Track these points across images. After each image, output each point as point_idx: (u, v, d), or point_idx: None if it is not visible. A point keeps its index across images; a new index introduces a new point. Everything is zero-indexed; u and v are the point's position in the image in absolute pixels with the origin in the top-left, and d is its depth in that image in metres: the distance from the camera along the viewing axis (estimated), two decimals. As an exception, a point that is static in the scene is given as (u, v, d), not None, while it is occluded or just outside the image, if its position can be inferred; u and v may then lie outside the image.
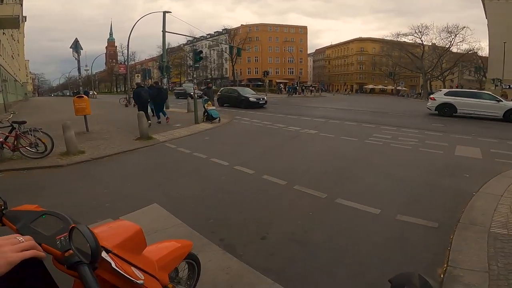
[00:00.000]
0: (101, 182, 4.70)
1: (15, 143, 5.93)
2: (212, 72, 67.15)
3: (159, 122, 10.90)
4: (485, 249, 2.53)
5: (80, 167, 5.65)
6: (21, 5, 19.16)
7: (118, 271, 0.88)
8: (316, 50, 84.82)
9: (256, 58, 62.71)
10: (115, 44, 78.65)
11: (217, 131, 9.76)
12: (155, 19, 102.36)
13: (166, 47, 21.46)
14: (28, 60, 58.60)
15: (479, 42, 56.72)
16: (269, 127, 10.24)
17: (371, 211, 3.45)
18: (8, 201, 1.06)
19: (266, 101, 18.66)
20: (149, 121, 9.79)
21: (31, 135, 6.04)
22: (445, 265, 2.36)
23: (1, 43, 22.35)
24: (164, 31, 19.27)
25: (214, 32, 64.65)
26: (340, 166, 5.50)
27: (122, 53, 61.10)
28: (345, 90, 62.41)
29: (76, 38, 9.09)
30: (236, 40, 53.75)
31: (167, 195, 4.04)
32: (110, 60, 76.88)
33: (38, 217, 1.02)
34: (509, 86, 31.10)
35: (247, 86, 48.64)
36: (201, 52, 13.35)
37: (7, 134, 5.95)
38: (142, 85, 11.75)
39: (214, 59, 66.37)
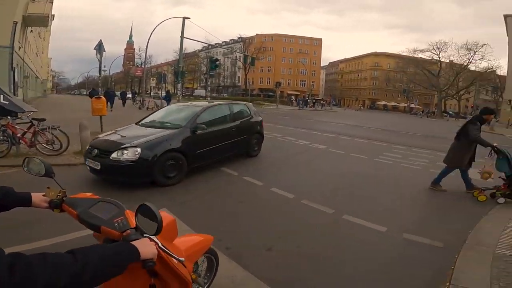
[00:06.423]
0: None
1: (32, 140, 6.14)
2: (225, 80, 67.96)
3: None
4: (489, 268, 2.54)
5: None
6: (52, 3, 19.94)
7: (163, 248, 1.02)
8: (330, 63, 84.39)
9: (269, 68, 63.19)
10: (134, 47, 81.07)
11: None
12: (173, 25, 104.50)
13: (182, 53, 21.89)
14: (51, 58, 60.22)
15: (498, 61, 55.21)
16: (280, 139, 10.23)
17: (377, 229, 3.44)
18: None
19: None
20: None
21: (49, 132, 6.25)
22: (448, 284, 2.38)
23: (27, 40, 22.74)
24: (182, 37, 19.69)
25: (230, 40, 65.30)
26: (348, 183, 5.48)
27: (140, 56, 62.47)
28: (359, 106, 61.73)
29: (100, 40, 9.44)
30: (251, 49, 53.82)
31: (173, 200, 4.13)
32: (128, 62, 78.87)
33: (95, 203, 1.17)
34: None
35: (258, 96, 48.09)
36: (217, 60, 13.66)
37: (25, 130, 6.17)
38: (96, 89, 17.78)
39: (227, 66, 67.21)
